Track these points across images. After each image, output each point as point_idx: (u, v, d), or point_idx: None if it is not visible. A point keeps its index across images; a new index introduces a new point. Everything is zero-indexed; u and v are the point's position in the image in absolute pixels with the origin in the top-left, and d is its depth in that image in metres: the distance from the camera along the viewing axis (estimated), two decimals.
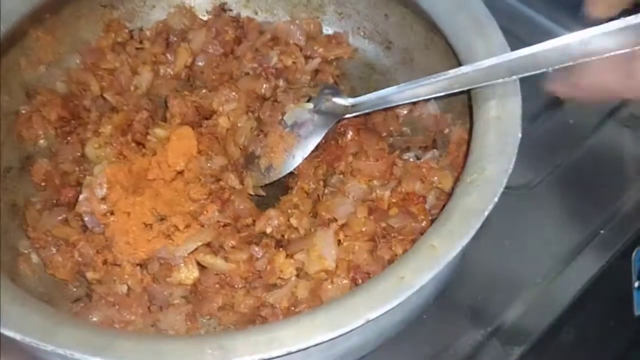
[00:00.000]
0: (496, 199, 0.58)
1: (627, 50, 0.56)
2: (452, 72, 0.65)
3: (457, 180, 0.62)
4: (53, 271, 0.68)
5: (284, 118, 0.75)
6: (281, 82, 0.80)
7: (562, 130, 0.89)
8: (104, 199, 0.68)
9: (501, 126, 0.63)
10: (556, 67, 0.59)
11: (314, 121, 0.74)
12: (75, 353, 0.49)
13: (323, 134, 0.74)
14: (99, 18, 0.84)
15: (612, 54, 0.57)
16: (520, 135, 0.62)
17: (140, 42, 0.85)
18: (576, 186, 0.85)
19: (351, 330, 0.52)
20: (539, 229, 0.81)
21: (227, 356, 0.50)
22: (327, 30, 0.88)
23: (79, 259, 0.67)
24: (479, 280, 0.76)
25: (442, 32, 0.74)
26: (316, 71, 0.83)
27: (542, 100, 0.90)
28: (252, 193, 0.74)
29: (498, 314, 0.74)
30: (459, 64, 0.72)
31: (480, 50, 0.69)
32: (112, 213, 0.68)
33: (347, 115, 0.74)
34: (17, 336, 0.50)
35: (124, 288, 0.66)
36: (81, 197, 0.68)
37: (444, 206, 0.60)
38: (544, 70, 0.60)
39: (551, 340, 0.75)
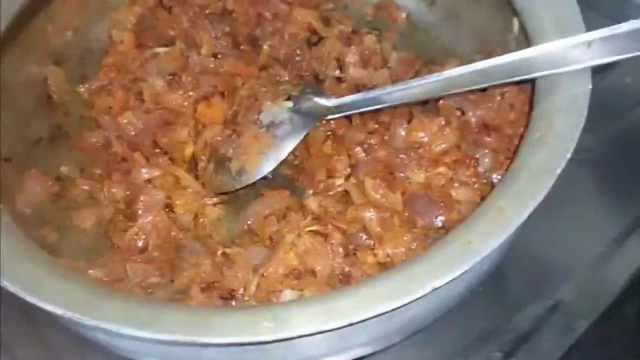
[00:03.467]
0: (568, 156, 0.53)
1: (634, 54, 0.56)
2: (447, 74, 0.62)
3: (522, 137, 0.57)
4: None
5: (260, 117, 0.69)
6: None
7: (618, 89, 0.84)
8: None
9: (569, 77, 0.57)
10: (561, 69, 0.58)
11: (292, 121, 0.68)
12: (121, 327, 0.45)
13: (302, 136, 0.68)
14: None
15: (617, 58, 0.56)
16: (590, 86, 0.57)
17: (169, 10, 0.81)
18: (637, 149, 0.79)
19: (415, 300, 0.48)
20: (601, 196, 0.77)
21: (283, 328, 0.46)
22: None
23: None
24: (538, 250, 0.72)
25: None
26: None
27: None
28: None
29: (560, 287, 0.70)
30: (515, 15, 0.67)
31: None
32: None
33: (330, 117, 0.69)
34: (59, 310, 0.47)
35: None
36: None
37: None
38: (548, 72, 0.58)
39: (617, 313, 0.70)
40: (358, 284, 0.49)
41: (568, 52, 0.58)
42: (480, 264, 0.50)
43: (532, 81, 0.62)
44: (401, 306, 0.48)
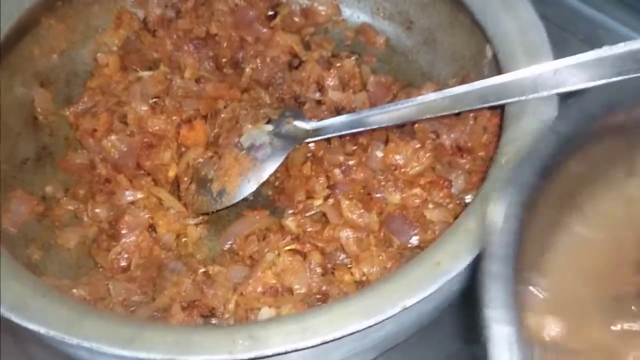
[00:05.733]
0: None
1: (599, 82, 0.58)
2: (422, 99, 0.66)
3: (490, 161, 0.60)
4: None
5: (241, 140, 0.71)
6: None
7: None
8: None
9: (536, 104, 0.60)
10: (529, 96, 0.60)
11: (272, 144, 0.70)
12: (102, 346, 0.47)
13: (282, 159, 0.70)
14: (111, 5, 0.82)
15: (583, 85, 0.59)
16: (557, 112, 0.59)
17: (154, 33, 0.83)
18: None
19: (387, 318, 0.50)
20: None
21: (259, 347, 0.47)
22: (345, 11, 0.86)
23: None
24: None
25: (467, 9, 0.71)
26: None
27: None
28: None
29: None
30: (487, 42, 0.70)
31: (509, 26, 0.66)
32: None
33: (308, 140, 0.72)
34: (42, 329, 0.48)
35: None
36: None
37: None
38: (517, 98, 0.61)
39: None
40: (332, 303, 0.51)
41: (536, 79, 0.61)
42: (449, 283, 0.53)
43: (503, 107, 0.64)
44: (374, 325, 0.50)
